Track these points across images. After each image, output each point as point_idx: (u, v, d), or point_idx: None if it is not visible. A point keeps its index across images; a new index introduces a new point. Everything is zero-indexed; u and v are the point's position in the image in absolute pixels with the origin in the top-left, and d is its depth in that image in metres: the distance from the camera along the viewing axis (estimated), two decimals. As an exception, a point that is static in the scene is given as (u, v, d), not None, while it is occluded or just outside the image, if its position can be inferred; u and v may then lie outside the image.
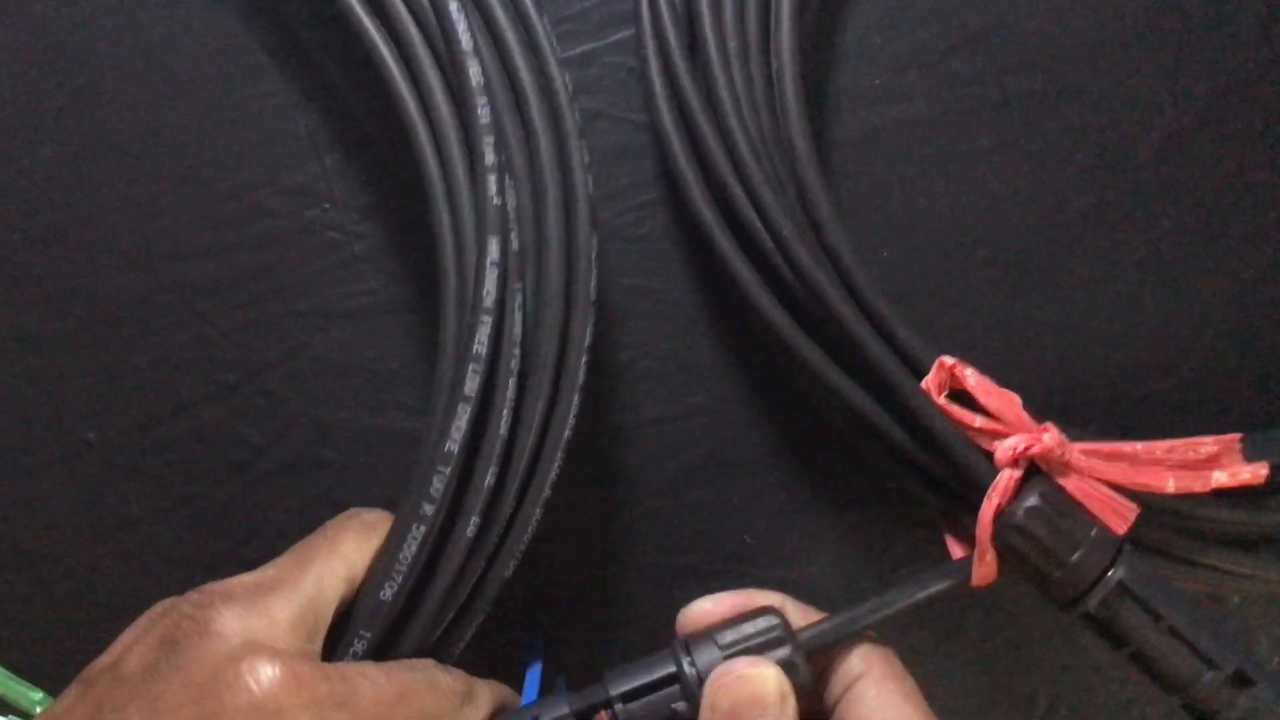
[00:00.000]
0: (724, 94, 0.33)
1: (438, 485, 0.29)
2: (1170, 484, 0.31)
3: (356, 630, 0.29)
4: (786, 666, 0.29)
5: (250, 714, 0.25)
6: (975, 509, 0.31)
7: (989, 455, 0.31)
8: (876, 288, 0.33)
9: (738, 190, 0.33)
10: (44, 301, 0.37)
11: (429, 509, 0.29)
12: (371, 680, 0.27)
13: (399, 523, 0.29)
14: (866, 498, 0.38)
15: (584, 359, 0.32)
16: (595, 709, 0.29)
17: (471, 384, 0.29)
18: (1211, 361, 0.38)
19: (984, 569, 0.31)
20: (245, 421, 0.37)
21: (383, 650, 0.30)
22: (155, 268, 0.37)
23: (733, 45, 0.34)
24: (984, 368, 0.32)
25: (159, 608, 0.28)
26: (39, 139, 0.37)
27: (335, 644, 0.29)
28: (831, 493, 0.38)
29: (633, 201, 0.38)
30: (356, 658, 0.29)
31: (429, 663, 0.30)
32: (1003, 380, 0.32)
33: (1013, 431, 0.31)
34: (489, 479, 0.30)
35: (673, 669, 0.30)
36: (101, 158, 0.37)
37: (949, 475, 0.32)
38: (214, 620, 0.27)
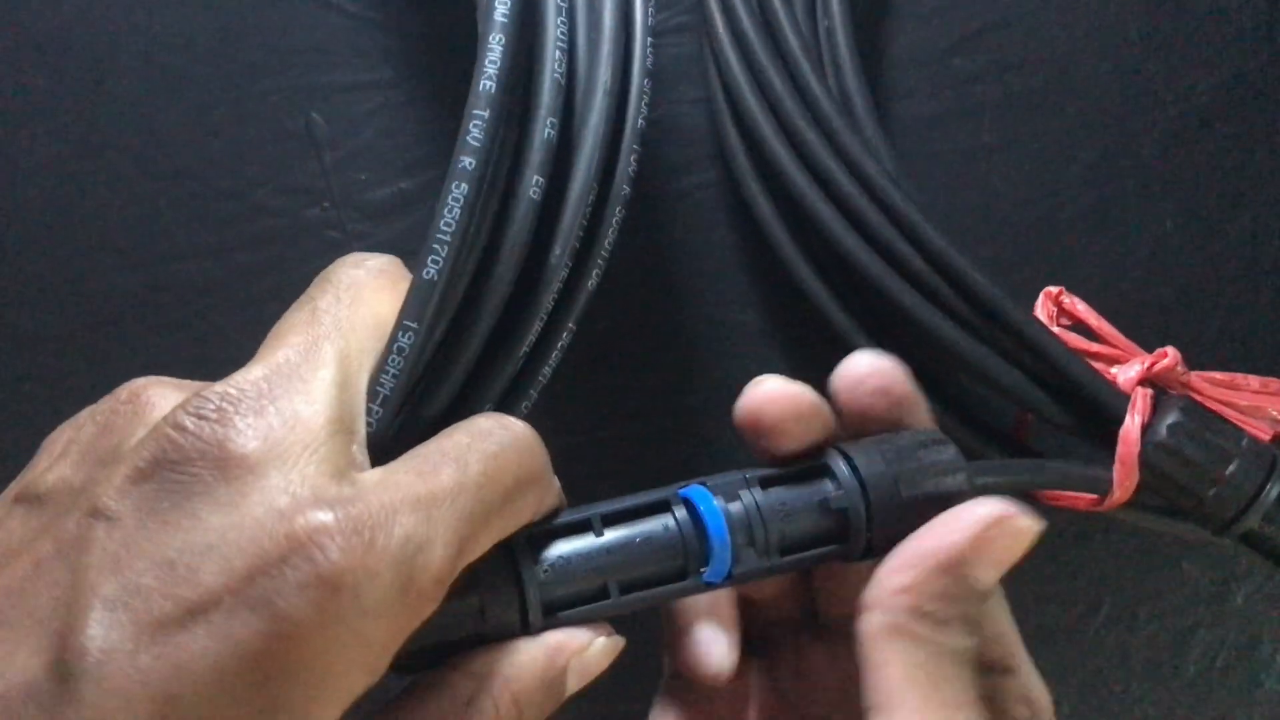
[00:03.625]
0: (792, 41, 0.33)
1: (476, 133, 0.24)
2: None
3: (401, 321, 0.23)
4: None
5: (319, 593, 0.18)
6: (1100, 439, 0.29)
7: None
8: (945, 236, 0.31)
9: (811, 135, 0.32)
10: (44, 301, 0.37)
11: (468, 163, 0.24)
12: (447, 478, 0.21)
13: (442, 192, 0.24)
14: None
15: (650, 39, 0.29)
16: (734, 487, 0.25)
17: (503, 7, 0.24)
18: (1214, 361, 0.38)
19: (1125, 493, 0.29)
20: (245, 421, 0.37)
21: (443, 354, 0.24)
22: (154, 267, 0.37)
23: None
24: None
25: (127, 399, 0.22)
26: (38, 139, 0.37)
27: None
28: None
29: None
30: (402, 353, 0.23)
31: (493, 419, 0.23)
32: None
33: (1129, 356, 0.30)
34: (547, 131, 0.25)
35: (823, 461, 0.26)
36: (100, 157, 0.37)
37: (1066, 409, 0.31)
38: (233, 445, 0.19)
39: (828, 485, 0.25)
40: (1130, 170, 0.38)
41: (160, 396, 0.22)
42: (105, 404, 0.22)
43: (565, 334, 0.27)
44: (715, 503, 0.25)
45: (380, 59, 0.37)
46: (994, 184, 0.38)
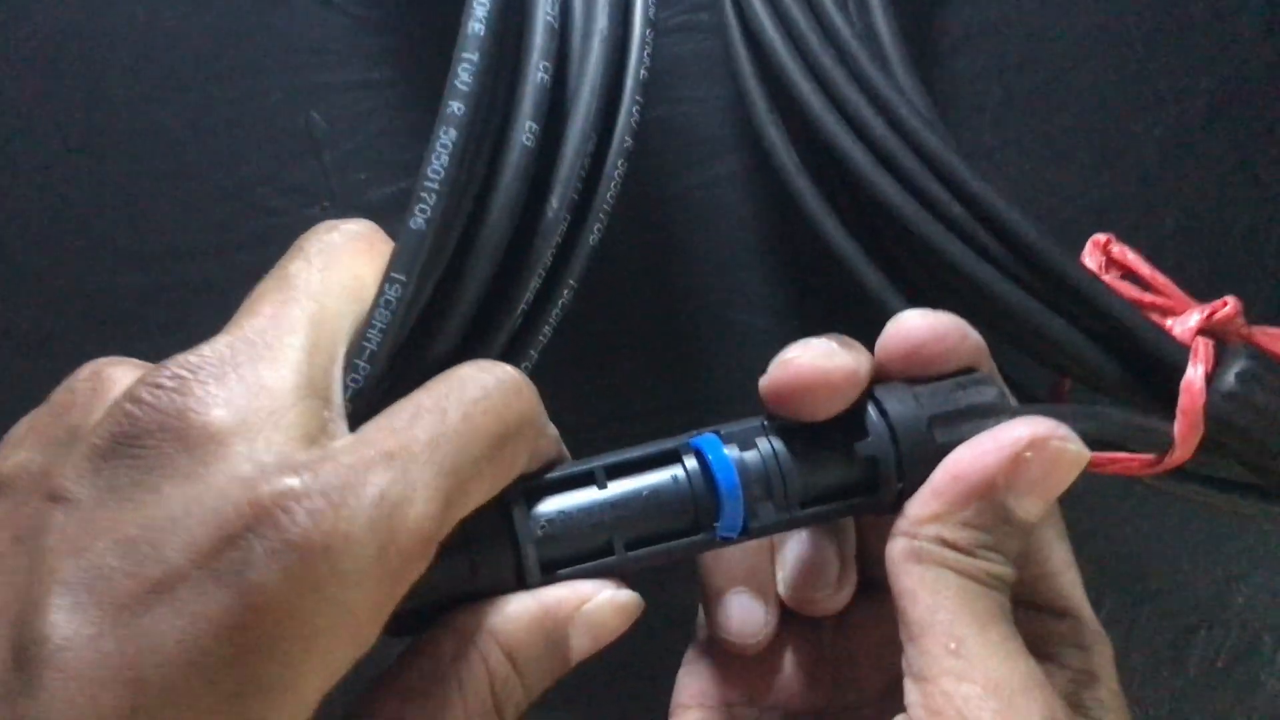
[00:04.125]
0: None
1: (464, 77, 0.23)
2: None
3: (389, 274, 0.22)
4: None
5: (289, 560, 0.17)
6: (1156, 396, 0.27)
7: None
8: (984, 178, 0.29)
9: (837, 73, 0.30)
10: (42, 301, 0.37)
11: (456, 107, 0.23)
12: (423, 429, 0.20)
13: (431, 139, 0.23)
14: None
15: None
16: (751, 435, 0.24)
17: None
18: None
19: (1188, 450, 0.27)
20: (245, 421, 0.37)
21: (435, 309, 0.24)
22: (154, 267, 0.37)
23: None
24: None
25: (87, 378, 0.21)
26: (38, 138, 0.37)
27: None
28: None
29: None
30: (389, 307, 0.22)
31: (475, 365, 0.22)
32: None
33: (1184, 308, 0.28)
34: (540, 75, 0.24)
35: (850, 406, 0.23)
36: (99, 157, 0.37)
37: (1117, 363, 0.28)
38: (193, 415, 0.19)
39: (855, 432, 0.23)
40: (1130, 171, 0.38)
41: (121, 374, 0.21)
42: (64, 385, 0.22)
43: (566, 291, 0.26)
44: (726, 452, 0.23)
45: (380, 58, 0.37)
46: (994, 184, 0.37)
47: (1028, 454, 0.22)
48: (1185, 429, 0.26)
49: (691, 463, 0.23)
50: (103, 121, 0.37)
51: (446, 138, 0.23)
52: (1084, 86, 0.37)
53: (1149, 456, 0.27)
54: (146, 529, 0.18)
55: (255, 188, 0.37)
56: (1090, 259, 0.29)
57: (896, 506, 0.23)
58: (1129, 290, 0.28)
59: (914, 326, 0.24)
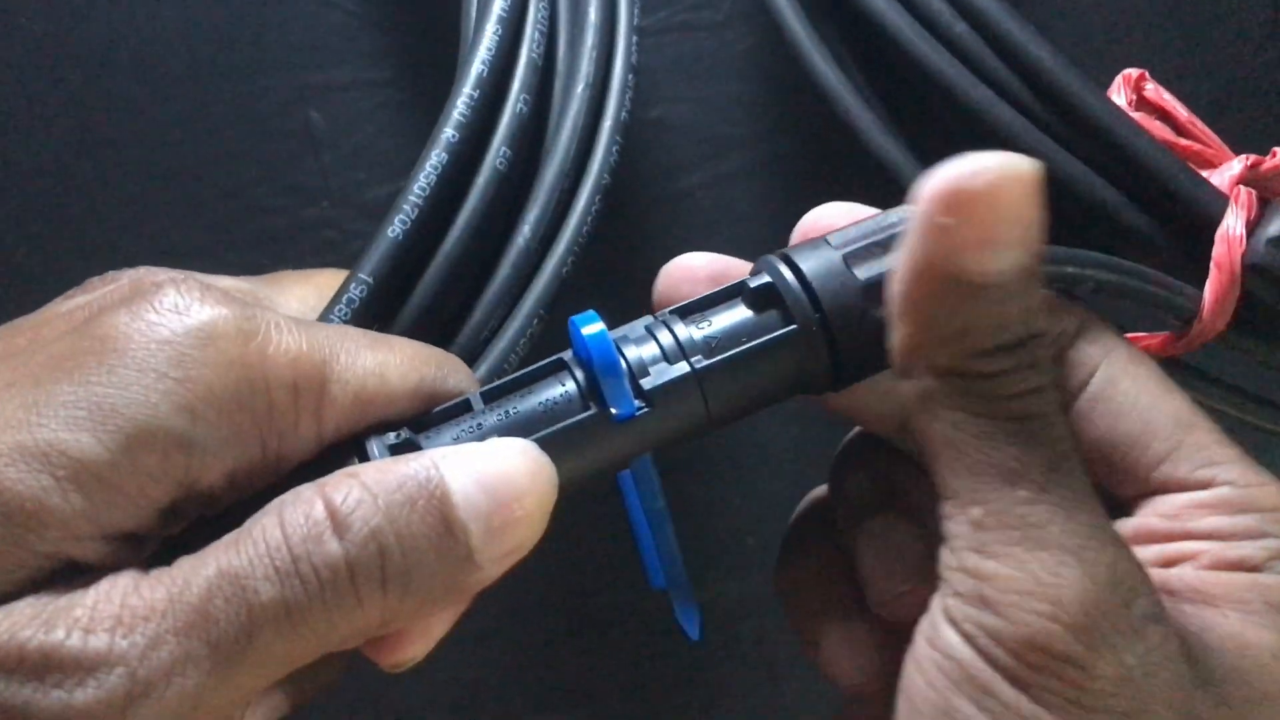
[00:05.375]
0: None
1: (463, 109, 0.25)
2: None
3: (355, 274, 0.24)
4: None
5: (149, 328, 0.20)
6: (1187, 252, 0.23)
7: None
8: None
9: None
10: (43, 302, 0.37)
11: (451, 135, 0.25)
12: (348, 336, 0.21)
13: (421, 158, 0.25)
14: (869, 499, 0.38)
15: (635, 36, 0.30)
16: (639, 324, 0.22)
17: (504, 2, 0.26)
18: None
19: (1220, 315, 0.23)
20: (244, 421, 0.37)
21: (388, 312, 0.25)
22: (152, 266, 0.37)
23: None
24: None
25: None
26: (36, 138, 0.37)
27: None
28: (833, 494, 0.38)
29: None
30: (353, 304, 0.24)
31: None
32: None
33: (1223, 158, 0.25)
34: (520, 106, 0.26)
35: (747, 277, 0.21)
36: (98, 157, 0.37)
37: (1144, 212, 0.24)
38: (127, 278, 0.23)
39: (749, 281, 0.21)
40: (1132, 170, 0.37)
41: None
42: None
43: (535, 321, 0.27)
44: (597, 326, 0.20)
45: (379, 57, 0.37)
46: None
47: (949, 200, 0.17)
48: (1219, 285, 0.23)
49: (580, 372, 0.21)
50: (101, 121, 0.37)
51: (438, 159, 0.25)
52: (1085, 87, 0.37)
53: (1169, 335, 0.24)
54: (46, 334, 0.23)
55: (254, 187, 0.37)
56: (1118, 95, 0.25)
57: (824, 342, 0.20)
58: (1161, 131, 0.25)
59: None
